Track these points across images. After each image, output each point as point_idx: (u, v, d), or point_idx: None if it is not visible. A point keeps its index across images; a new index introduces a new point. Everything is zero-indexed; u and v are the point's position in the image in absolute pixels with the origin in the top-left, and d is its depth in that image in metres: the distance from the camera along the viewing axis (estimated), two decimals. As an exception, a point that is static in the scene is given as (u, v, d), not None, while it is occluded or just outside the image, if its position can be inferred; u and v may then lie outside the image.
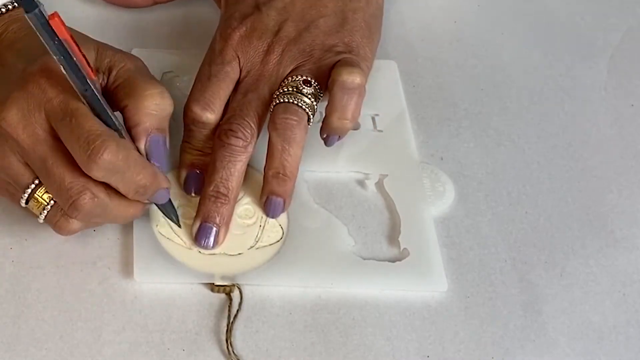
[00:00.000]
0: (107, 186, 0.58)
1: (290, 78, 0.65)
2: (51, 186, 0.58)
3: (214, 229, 0.63)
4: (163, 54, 0.75)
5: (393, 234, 0.67)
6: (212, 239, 0.63)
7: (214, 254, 0.64)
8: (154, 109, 0.59)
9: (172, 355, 0.59)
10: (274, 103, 0.64)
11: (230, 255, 0.64)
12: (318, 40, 0.67)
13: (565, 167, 0.74)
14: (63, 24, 0.53)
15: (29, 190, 0.59)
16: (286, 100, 0.64)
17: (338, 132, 0.66)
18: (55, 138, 0.57)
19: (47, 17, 0.52)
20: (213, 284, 0.62)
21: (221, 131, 0.64)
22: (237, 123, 0.64)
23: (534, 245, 0.68)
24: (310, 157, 0.69)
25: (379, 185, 0.70)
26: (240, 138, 0.63)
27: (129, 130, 0.59)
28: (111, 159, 0.56)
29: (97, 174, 0.56)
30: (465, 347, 0.62)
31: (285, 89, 0.65)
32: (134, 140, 0.59)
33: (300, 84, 0.65)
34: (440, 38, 0.82)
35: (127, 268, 0.62)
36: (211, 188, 0.63)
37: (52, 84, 0.57)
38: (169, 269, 0.62)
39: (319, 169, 0.70)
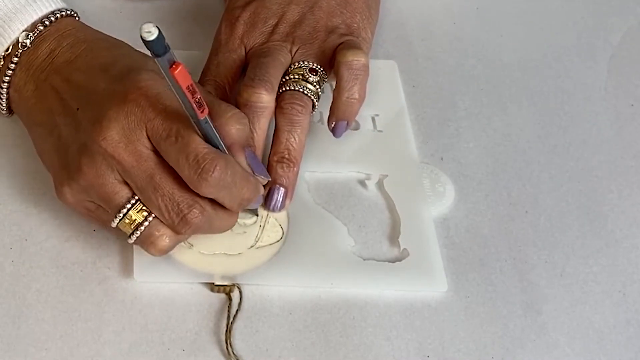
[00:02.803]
0: (211, 200, 0.59)
1: (296, 64, 0.67)
2: (158, 202, 0.58)
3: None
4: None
5: (393, 234, 0.67)
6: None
7: (214, 254, 0.63)
8: (241, 127, 0.60)
9: (172, 355, 0.59)
10: (281, 90, 0.66)
11: (230, 255, 0.64)
12: (322, 22, 0.69)
13: (565, 167, 0.74)
14: (185, 71, 0.52)
15: (125, 210, 0.59)
16: (293, 88, 0.66)
17: (346, 115, 0.67)
18: (158, 155, 0.58)
19: (174, 63, 0.52)
20: (213, 283, 0.62)
21: (243, 90, 0.65)
22: (259, 79, 0.65)
23: (534, 245, 0.68)
24: (310, 157, 0.69)
25: (379, 185, 0.70)
26: (262, 93, 0.64)
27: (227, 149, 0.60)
28: (221, 177, 0.56)
29: (207, 191, 0.57)
30: (465, 347, 0.62)
31: (292, 76, 0.66)
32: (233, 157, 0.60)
33: (306, 72, 0.66)
34: (440, 38, 0.82)
35: (127, 268, 0.62)
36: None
37: (151, 103, 0.57)
38: (168, 269, 0.62)
39: (319, 169, 0.70)
